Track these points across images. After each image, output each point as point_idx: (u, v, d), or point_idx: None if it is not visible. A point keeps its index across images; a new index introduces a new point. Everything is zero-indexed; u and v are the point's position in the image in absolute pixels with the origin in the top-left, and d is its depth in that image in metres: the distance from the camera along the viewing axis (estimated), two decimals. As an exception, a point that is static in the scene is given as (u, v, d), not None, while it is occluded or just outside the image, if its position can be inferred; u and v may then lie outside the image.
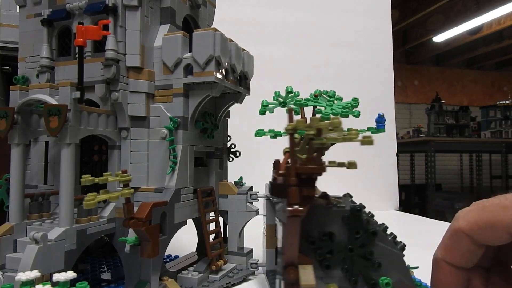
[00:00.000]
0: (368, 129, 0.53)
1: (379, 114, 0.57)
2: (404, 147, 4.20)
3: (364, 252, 0.38)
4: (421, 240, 0.91)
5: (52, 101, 0.44)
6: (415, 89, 5.54)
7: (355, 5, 1.46)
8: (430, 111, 4.29)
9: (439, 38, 4.96)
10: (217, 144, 0.63)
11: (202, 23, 0.65)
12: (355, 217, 0.39)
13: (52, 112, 0.40)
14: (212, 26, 0.69)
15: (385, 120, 0.56)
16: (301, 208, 0.30)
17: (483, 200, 0.23)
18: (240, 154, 0.71)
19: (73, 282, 0.32)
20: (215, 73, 0.48)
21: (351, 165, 0.38)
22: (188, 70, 0.51)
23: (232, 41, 0.54)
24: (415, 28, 5.04)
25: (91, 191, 0.39)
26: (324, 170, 0.33)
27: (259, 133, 0.55)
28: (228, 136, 0.69)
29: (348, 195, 0.50)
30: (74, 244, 0.43)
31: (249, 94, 0.63)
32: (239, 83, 0.58)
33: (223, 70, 0.51)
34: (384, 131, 0.55)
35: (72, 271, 0.33)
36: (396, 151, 1.46)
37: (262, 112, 0.55)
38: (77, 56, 0.47)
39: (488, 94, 5.62)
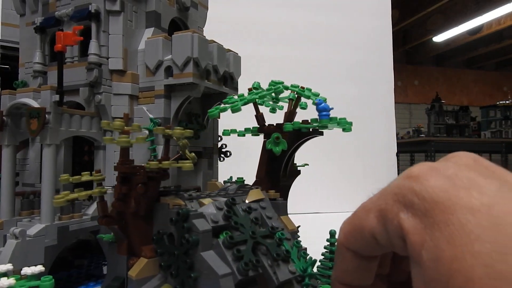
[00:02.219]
0: (312, 120, 0.47)
1: (318, 100, 0.47)
2: (404, 147, 4.20)
3: (185, 261, 0.34)
4: None
5: (34, 104, 0.45)
6: (415, 89, 5.54)
7: (355, 5, 1.47)
8: (430, 111, 4.29)
9: (439, 38, 4.97)
10: (206, 144, 0.64)
11: (192, 25, 0.66)
12: (182, 221, 0.35)
13: (33, 114, 0.42)
14: (205, 27, 0.70)
15: (330, 108, 0.47)
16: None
17: (363, 203, 0.20)
18: (230, 154, 0.72)
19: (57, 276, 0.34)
20: (193, 74, 0.49)
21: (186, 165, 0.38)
22: (169, 72, 0.52)
23: (215, 42, 0.55)
24: (415, 28, 5.04)
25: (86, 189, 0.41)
26: (127, 171, 0.37)
27: (225, 132, 0.56)
28: (219, 136, 0.70)
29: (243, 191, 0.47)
30: (55, 240, 0.44)
31: (237, 94, 0.64)
32: (224, 83, 0.60)
33: (204, 71, 0.52)
34: (327, 122, 0.46)
35: (42, 265, 0.34)
36: (396, 151, 1.47)
37: (213, 114, 0.51)
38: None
39: (488, 94, 5.60)
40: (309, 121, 0.47)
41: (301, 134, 0.46)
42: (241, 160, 1.23)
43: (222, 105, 0.46)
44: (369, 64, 1.46)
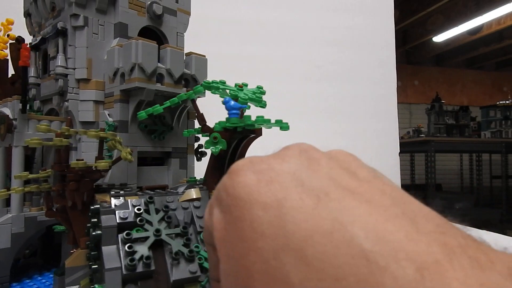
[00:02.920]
0: (220, 123, 0.49)
1: (225, 99, 0.48)
2: (404, 147, 4.20)
3: (94, 254, 0.39)
4: None
5: (7, 112, 0.52)
6: (415, 89, 5.54)
7: (357, 5, 1.48)
8: (430, 111, 4.30)
9: (439, 38, 4.97)
10: (178, 145, 0.68)
11: (170, 32, 0.69)
12: (93, 216, 0.39)
13: (2, 121, 0.49)
14: (185, 32, 0.72)
15: (239, 107, 0.47)
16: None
17: None
18: (205, 154, 0.73)
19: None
20: (138, 79, 0.54)
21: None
22: (123, 78, 0.57)
23: (170, 47, 0.60)
24: (415, 28, 5.05)
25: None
26: (59, 169, 0.43)
27: (184, 133, 0.58)
28: (196, 136, 0.72)
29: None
30: (22, 228, 0.51)
31: (204, 96, 0.66)
32: (185, 86, 0.64)
33: (154, 75, 0.57)
34: (236, 122, 0.47)
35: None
36: (399, 151, 1.47)
37: (140, 116, 0.54)
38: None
39: (488, 94, 5.58)
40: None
41: (238, 134, 0.49)
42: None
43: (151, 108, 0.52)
44: (371, 64, 1.47)
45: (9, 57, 0.70)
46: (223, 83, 0.51)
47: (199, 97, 0.58)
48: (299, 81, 1.41)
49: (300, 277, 0.13)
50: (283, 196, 0.15)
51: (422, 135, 4.16)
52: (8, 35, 0.67)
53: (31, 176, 0.46)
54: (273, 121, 0.50)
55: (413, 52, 5.52)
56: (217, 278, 0.19)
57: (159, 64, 0.58)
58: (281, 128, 0.51)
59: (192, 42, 1.26)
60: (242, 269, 0.15)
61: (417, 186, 4.55)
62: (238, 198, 0.16)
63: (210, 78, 1.17)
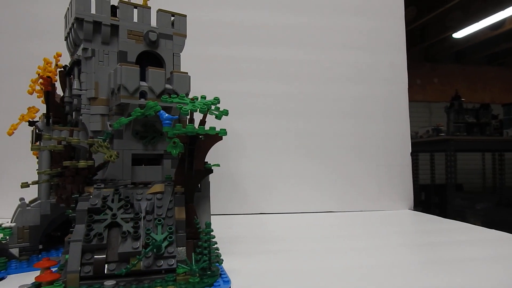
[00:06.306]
0: (165, 129, 0.62)
1: (159, 112, 0.64)
2: (423, 146, 4.19)
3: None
4: (420, 239, 1.01)
5: (38, 126, 0.71)
6: (434, 87, 5.46)
7: (367, 6, 1.52)
8: (449, 110, 4.25)
9: (459, 34, 4.89)
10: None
11: (166, 53, 0.81)
12: (75, 202, 0.57)
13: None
14: (181, 52, 0.84)
15: (171, 118, 0.63)
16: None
17: None
18: None
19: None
20: (122, 96, 0.69)
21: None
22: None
23: (153, 68, 0.74)
24: (433, 24, 4.99)
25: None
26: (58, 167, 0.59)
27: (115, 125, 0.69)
28: None
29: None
30: (48, 211, 0.70)
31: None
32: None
33: (137, 92, 0.71)
34: (169, 130, 0.60)
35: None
36: (410, 151, 1.48)
37: (115, 126, 0.68)
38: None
39: (510, 91, 5.40)
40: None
41: (192, 139, 0.62)
42: (228, 158, 1.42)
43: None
44: (382, 65, 1.50)
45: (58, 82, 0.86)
46: (182, 97, 0.67)
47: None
48: (309, 84, 1.47)
49: None
50: None
51: (442, 134, 4.12)
52: (56, 65, 0.83)
53: (47, 172, 0.63)
54: (218, 128, 0.64)
55: (432, 49, 5.44)
56: None
57: (142, 83, 0.73)
58: (220, 134, 0.64)
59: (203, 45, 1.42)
60: None
61: (437, 186, 4.51)
62: None
63: (225, 80, 1.46)
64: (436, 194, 4.51)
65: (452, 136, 3.96)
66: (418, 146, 4.16)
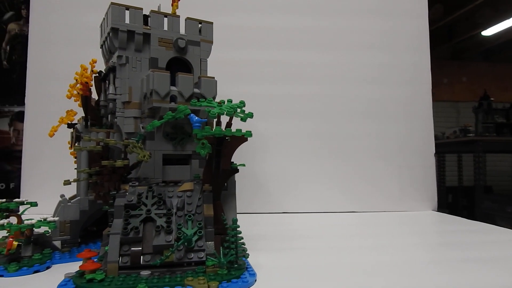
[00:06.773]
0: (195, 131, 0.66)
1: (190, 116, 0.69)
2: (450, 147, 4.09)
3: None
4: (440, 239, 1.02)
5: (78, 128, 0.77)
6: (463, 86, 5.28)
7: (390, 6, 1.52)
8: (477, 110, 4.12)
9: (488, 32, 4.73)
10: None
11: (194, 59, 0.86)
12: (113, 199, 0.63)
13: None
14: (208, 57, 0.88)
15: (200, 121, 0.68)
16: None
17: None
18: None
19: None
20: (153, 100, 0.74)
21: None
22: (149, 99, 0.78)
23: (182, 74, 0.78)
24: (461, 22, 4.85)
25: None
26: (96, 167, 0.66)
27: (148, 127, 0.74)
28: None
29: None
30: (87, 207, 0.76)
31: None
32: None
33: (168, 96, 0.76)
34: (198, 132, 0.65)
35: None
36: (434, 152, 1.48)
37: (147, 128, 0.72)
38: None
39: (543, 90, 5.17)
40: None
41: (219, 140, 0.66)
42: (253, 158, 1.46)
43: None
44: (404, 66, 1.50)
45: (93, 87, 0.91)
46: (210, 100, 0.71)
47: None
48: (330, 85, 1.49)
49: None
50: None
51: (471, 135, 4.00)
52: (92, 71, 0.89)
53: (86, 170, 0.69)
54: (243, 130, 0.68)
55: (460, 47, 5.28)
56: None
57: (172, 88, 0.78)
58: (245, 135, 0.68)
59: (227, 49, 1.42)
60: None
61: (465, 188, 4.38)
62: None
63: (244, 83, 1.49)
64: (464, 196, 4.39)
65: (481, 136, 3.83)
66: (445, 147, 4.05)
